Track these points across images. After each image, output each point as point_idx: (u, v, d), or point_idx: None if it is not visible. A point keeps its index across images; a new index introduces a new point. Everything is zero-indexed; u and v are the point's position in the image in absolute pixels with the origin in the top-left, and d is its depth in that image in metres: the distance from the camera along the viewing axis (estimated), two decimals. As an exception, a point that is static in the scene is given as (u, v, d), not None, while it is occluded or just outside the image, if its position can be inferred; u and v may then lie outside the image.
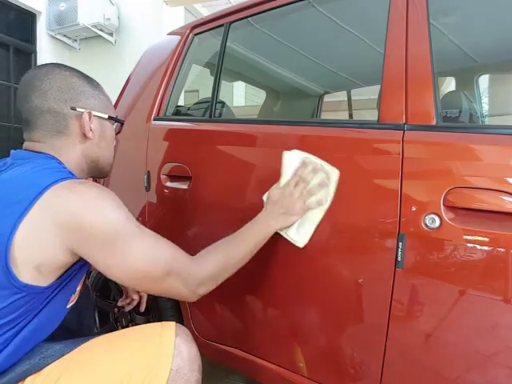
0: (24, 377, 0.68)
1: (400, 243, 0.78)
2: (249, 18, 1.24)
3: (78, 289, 0.81)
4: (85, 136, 0.78)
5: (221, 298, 1.13)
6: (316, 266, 0.91)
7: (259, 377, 1.07)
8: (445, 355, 0.76)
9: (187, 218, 1.17)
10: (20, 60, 3.93)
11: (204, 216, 1.14)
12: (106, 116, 0.82)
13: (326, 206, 0.85)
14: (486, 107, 2.00)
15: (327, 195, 0.85)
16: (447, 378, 0.76)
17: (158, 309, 1.25)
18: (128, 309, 1.14)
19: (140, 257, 0.70)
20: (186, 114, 1.51)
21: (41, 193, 0.64)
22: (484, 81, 1.86)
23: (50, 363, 0.70)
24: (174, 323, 0.78)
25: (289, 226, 0.89)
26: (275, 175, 1.00)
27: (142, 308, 1.15)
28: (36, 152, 0.75)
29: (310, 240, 0.88)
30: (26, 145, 0.78)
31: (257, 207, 0.92)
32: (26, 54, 3.97)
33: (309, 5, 1.17)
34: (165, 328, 0.76)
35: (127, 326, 1.20)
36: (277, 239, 0.92)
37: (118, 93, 1.53)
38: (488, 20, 1.34)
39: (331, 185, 0.85)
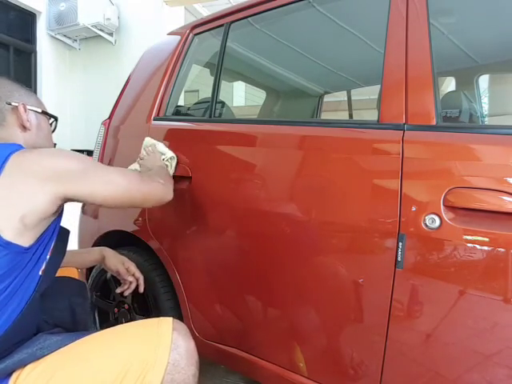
0: (20, 365, 0.70)
1: (400, 243, 0.78)
2: (249, 18, 1.24)
3: (48, 256, 0.83)
4: (23, 127, 0.86)
5: (221, 298, 1.13)
6: (316, 266, 0.91)
7: (259, 377, 1.07)
8: (445, 355, 0.76)
9: (187, 218, 1.17)
10: (20, 60, 3.93)
11: (204, 216, 1.14)
12: (40, 110, 0.91)
13: (154, 141, 1.22)
14: (486, 107, 2.00)
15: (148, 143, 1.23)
16: (447, 378, 0.76)
17: (158, 309, 1.25)
18: (127, 293, 1.15)
19: (117, 171, 0.87)
20: (186, 114, 1.51)
21: (6, 159, 0.72)
22: (484, 81, 1.86)
23: (46, 354, 0.72)
24: (171, 318, 0.80)
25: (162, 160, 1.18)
26: (275, 175, 1.00)
27: (141, 289, 1.16)
28: None
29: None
30: None
31: (257, 207, 0.92)
32: (25, 53, 3.97)
33: (309, 5, 1.17)
34: (162, 323, 0.79)
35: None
36: (277, 239, 0.92)
37: (118, 93, 1.53)
38: (488, 20, 1.34)
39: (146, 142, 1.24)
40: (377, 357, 0.83)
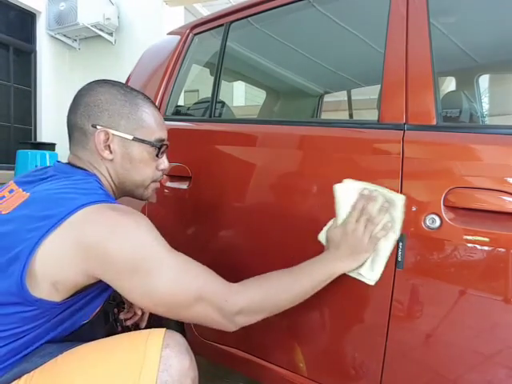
0: (20, 375, 0.67)
1: (400, 243, 0.78)
2: (249, 18, 1.24)
3: (93, 315, 0.78)
4: (101, 155, 0.77)
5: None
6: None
7: (259, 377, 1.07)
8: (445, 355, 0.75)
9: (187, 218, 1.17)
10: (20, 60, 3.93)
11: (204, 216, 1.14)
12: (131, 137, 0.78)
13: (397, 234, 0.76)
14: (486, 107, 2.00)
15: (394, 222, 0.77)
16: (447, 378, 0.76)
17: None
18: (129, 323, 1.09)
19: (167, 283, 0.67)
20: (186, 114, 1.51)
21: (71, 212, 0.64)
22: (484, 81, 1.86)
23: (46, 361, 0.68)
24: (163, 331, 0.68)
25: (360, 265, 0.80)
26: (275, 175, 1.00)
27: (143, 325, 1.10)
28: (76, 167, 0.77)
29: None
30: (69, 158, 0.81)
31: (257, 207, 0.92)
32: (25, 53, 3.97)
33: (309, 4, 1.17)
34: (150, 338, 0.67)
35: (127, 327, 1.19)
36: (276, 239, 0.91)
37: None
38: (488, 20, 1.34)
39: (398, 210, 0.76)
40: (377, 357, 0.83)
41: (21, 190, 0.74)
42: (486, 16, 1.31)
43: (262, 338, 1.05)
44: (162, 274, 0.67)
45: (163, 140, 0.83)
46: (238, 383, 1.43)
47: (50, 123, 4.04)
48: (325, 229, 0.85)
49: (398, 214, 0.76)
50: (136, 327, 1.21)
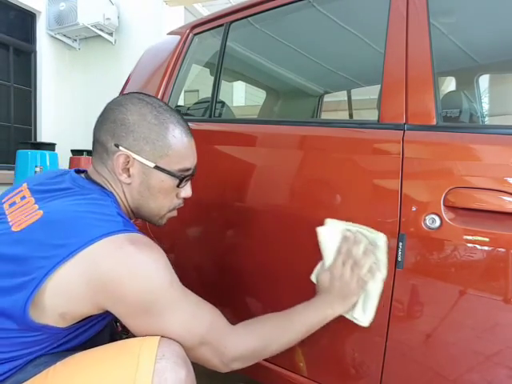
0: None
1: (400, 243, 0.78)
2: (249, 18, 1.24)
3: (96, 332, 0.77)
4: (118, 178, 0.74)
5: (220, 299, 1.13)
6: (316, 266, 0.91)
7: (259, 377, 1.07)
8: (445, 355, 0.75)
9: (187, 218, 1.17)
10: (20, 60, 3.93)
11: (204, 216, 1.14)
12: (153, 165, 0.73)
13: (383, 273, 0.78)
14: (486, 107, 2.00)
15: (379, 262, 0.79)
16: (447, 379, 0.76)
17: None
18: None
19: (176, 325, 0.66)
20: (186, 114, 1.51)
21: (87, 243, 0.61)
22: (484, 81, 1.86)
23: (41, 370, 0.65)
24: (156, 341, 0.64)
25: (353, 308, 0.82)
26: (275, 175, 1.00)
27: None
28: (94, 182, 0.75)
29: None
30: (89, 170, 0.79)
31: (257, 207, 0.92)
32: (25, 53, 3.97)
33: (309, 4, 1.17)
34: (143, 348, 0.63)
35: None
36: (276, 239, 0.91)
37: (118, 93, 1.53)
38: (488, 20, 1.34)
39: (381, 250, 0.78)
40: (377, 357, 0.83)
41: (33, 199, 0.70)
42: (486, 16, 1.31)
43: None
44: (173, 316, 0.66)
45: (189, 169, 0.79)
46: (238, 383, 1.42)
47: (50, 123, 4.04)
48: (315, 271, 0.87)
49: (382, 254, 0.78)
50: None
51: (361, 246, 0.79)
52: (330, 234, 0.83)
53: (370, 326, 0.81)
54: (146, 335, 0.66)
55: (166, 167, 0.75)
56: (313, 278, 0.88)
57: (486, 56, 1.63)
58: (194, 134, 0.84)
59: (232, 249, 1.09)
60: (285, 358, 0.99)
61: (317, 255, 0.87)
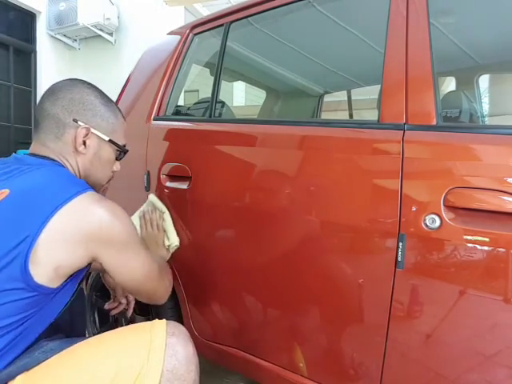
0: (23, 370, 0.69)
1: (400, 243, 0.78)
2: (249, 18, 1.24)
3: (78, 285, 0.83)
4: (76, 149, 0.81)
5: (221, 299, 1.13)
6: (316, 266, 0.91)
7: (259, 377, 1.07)
8: (445, 355, 0.75)
9: (187, 218, 1.17)
10: (20, 60, 3.93)
11: (204, 216, 1.14)
12: (107, 138, 0.85)
13: (164, 210, 1.17)
14: (486, 107, 2.00)
15: (162, 209, 1.18)
16: (447, 379, 0.76)
17: (157, 309, 1.25)
18: (114, 313, 1.14)
19: (146, 259, 0.82)
20: (186, 114, 1.51)
21: (69, 199, 0.69)
22: (484, 81, 1.86)
23: (49, 357, 0.71)
24: (164, 321, 0.76)
25: (165, 243, 1.15)
26: (275, 175, 1.00)
27: (129, 313, 1.15)
28: (42, 157, 0.79)
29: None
30: (32, 148, 0.83)
31: (257, 207, 0.92)
32: (25, 53, 3.97)
33: (309, 4, 1.17)
34: (155, 327, 0.74)
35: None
36: (276, 239, 0.91)
37: (118, 93, 1.53)
38: (488, 20, 1.34)
39: (157, 203, 1.19)
40: (377, 357, 0.83)
41: None
42: (486, 16, 1.31)
43: (262, 338, 1.05)
44: (143, 252, 0.82)
45: (125, 145, 0.93)
46: (238, 383, 1.42)
47: (50, 123, 4.03)
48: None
49: (159, 204, 1.18)
50: (122, 317, 1.27)
51: (153, 211, 1.17)
52: (135, 217, 1.19)
53: (371, 327, 0.81)
54: (126, 276, 0.79)
55: (117, 141, 0.88)
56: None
57: (486, 56, 1.64)
58: (193, 134, 0.85)
59: (224, 250, 1.09)
60: (285, 357, 1.00)
61: (322, 253, 0.88)
